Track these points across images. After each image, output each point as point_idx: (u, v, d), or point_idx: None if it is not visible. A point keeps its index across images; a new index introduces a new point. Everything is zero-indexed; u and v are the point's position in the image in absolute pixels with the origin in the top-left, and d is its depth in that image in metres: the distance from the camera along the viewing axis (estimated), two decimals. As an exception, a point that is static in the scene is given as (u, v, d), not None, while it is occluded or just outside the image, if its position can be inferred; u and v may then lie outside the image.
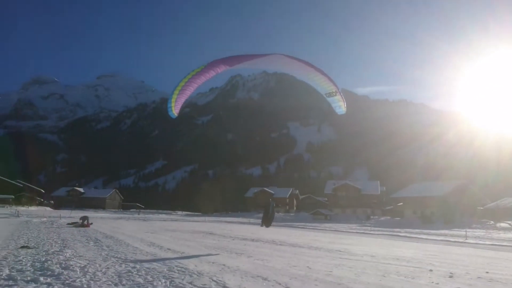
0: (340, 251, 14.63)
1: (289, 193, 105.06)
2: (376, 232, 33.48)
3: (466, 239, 25.99)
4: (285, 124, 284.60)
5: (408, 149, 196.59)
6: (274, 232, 28.08)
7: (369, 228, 41.38)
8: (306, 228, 39.76)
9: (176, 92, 10.78)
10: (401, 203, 75.27)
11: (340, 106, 12.78)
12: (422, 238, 26.50)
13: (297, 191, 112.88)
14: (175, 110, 10.86)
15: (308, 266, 9.97)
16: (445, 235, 30.72)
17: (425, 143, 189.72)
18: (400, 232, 33.82)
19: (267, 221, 16.35)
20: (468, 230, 32.80)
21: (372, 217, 71.33)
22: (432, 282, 8.18)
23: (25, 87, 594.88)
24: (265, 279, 7.93)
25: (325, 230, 36.58)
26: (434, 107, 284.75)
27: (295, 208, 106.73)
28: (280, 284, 7.47)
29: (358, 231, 35.87)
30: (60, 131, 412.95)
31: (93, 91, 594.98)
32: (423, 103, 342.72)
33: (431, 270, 9.87)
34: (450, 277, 8.98)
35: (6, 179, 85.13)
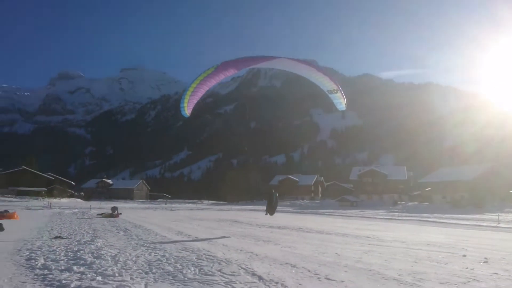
0: (368, 237, 14.43)
1: (314, 180, 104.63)
2: (404, 218, 32.94)
3: (499, 223, 25.20)
4: (308, 111, 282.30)
5: (435, 133, 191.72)
6: (300, 219, 28.05)
7: (396, 214, 40.78)
8: (332, 215, 39.51)
9: (189, 93, 11.35)
10: (429, 188, 73.74)
11: (341, 102, 13.48)
12: (452, 223, 25.87)
13: (322, 178, 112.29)
14: (187, 110, 11.36)
15: (336, 253, 9.86)
16: (476, 219, 29.92)
17: (453, 126, 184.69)
18: (429, 217, 33.14)
19: (271, 210, 17.42)
20: (500, 214, 31.86)
21: (399, 202, 70.25)
22: (467, 268, 7.94)
23: (52, 82, 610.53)
24: (293, 266, 7.87)
25: (352, 216, 36.25)
26: (462, 90, 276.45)
27: (320, 195, 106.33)
28: (309, 271, 7.40)
29: (385, 217, 35.39)
30: (87, 125, 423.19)
31: (118, 84, 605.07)
32: (451, 85, 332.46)
33: (464, 256, 9.60)
34: (485, 262, 8.70)
35: (39, 173, 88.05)
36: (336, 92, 13.77)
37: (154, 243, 11.39)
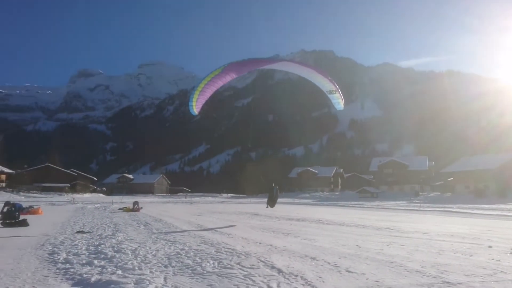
0: (389, 228, 14.20)
1: (333, 172, 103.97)
2: (426, 209, 32.38)
3: (526, 213, 24.52)
4: (326, 103, 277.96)
5: (457, 121, 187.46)
6: (319, 211, 27.89)
7: (418, 204, 40.17)
8: (352, 206, 39.16)
9: (197, 92, 11.67)
10: (452, 178, 72.33)
11: (339, 102, 14.34)
12: (476, 214, 25.28)
13: (341, 170, 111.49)
14: (196, 108, 11.79)
15: (357, 245, 9.72)
16: (501, 209, 29.18)
17: (475, 114, 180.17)
18: (452, 207, 32.51)
19: (271, 203, 18.70)
20: (527, 203, 30.97)
21: (421, 193, 69.17)
22: (493, 259, 7.69)
23: (72, 80, 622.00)
24: (313, 258, 7.78)
25: (372, 208, 35.83)
26: (485, 77, 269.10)
27: (339, 187, 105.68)
28: (329, 263, 7.29)
29: (407, 208, 34.86)
30: (107, 121, 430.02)
31: (136, 80, 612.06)
32: (473, 72, 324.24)
33: (490, 247, 9.32)
34: (512, 253, 8.43)
35: (62, 169, 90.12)
36: (335, 93, 14.60)
37: (173, 236, 11.46)
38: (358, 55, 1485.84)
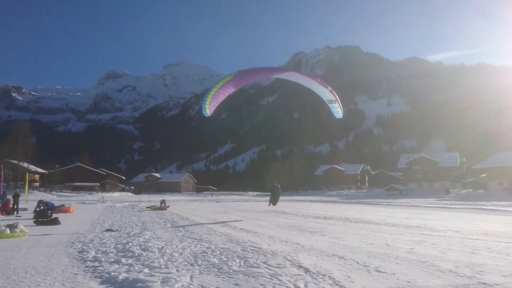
0: (420, 227, 13.81)
1: (360, 169, 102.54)
2: (458, 206, 31.42)
3: None
4: (352, 99, 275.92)
5: (489, 116, 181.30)
6: (346, 209, 27.48)
7: (449, 202, 39.04)
8: (380, 204, 38.45)
9: (210, 96, 12.18)
10: (484, 174, 70.02)
11: (338, 111, 15.50)
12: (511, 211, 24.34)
13: (369, 167, 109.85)
14: (208, 110, 12.39)
15: (386, 244, 9.46)
16: (539, 207, 27.98)
17: (509, 108, 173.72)
18: (485, 205, 31.42)
19: (274, 201, 20.46)
20: None
21: (451, 190, 67.27)
22: (532, 259, 7.32)
23: (101, 82, 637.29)
24: (341, 257, 7.61)
25: (401, 205, 35.07)
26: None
27: (367, 184, 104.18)
28: (358, 263, 7.11)
29: (437, 205, 33.93)
30: (135, 121, 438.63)
31: (162, 80, 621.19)
32: (506, 65, 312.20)
33: (528, 246, 8.90)
34: (553, 253, 8.00)
35: (92, 169, 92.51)
36: (335, 102, 15.93)
37: (199, 234, 11.49)
38: (385, 50, 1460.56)
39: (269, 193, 20.31)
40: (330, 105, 16.03)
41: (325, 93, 15.28)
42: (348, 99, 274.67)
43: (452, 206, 31.73)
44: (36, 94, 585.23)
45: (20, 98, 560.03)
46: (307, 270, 6.47)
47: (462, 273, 6.24)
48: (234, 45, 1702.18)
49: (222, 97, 12.44)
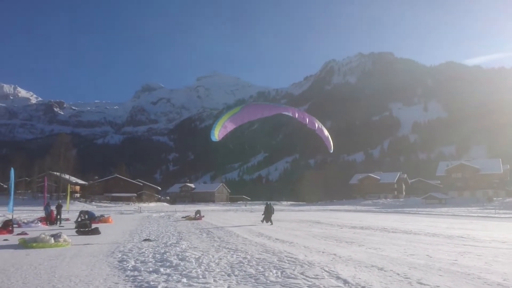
0: (462, 237, 13.28)
1: (397, 177, 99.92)
2: (502, 215, 30.04)
3: None
4: (387, 106, 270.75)
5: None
6: (383, 219, 26.82)
7: (492, 211, 37.35)
8: (418, 213, 37.27)
9: (220, 123, 13.52)
10: (530, 182, 66.52)
11: (331, 145, 15.62)
12: (563, 221, 22.97)
13: (405, 175, 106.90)
14: (217, 136, 13.30)
15: (427, 255, 9.16)
16: None
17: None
18: (532, 214, 29.85)
19: (267, 218, 21.71)
20: None
21: (495, 199, 64.28)
22: None
23: (137, 95, 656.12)
24: (381, 269, 7.41)
25: (441, 215, 33.86)
26: None
27: (404, 193, 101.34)
28: (398, 274, 6.91)
29: (479, 215, 32.56)
30: (169, 133, 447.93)
31: (195, 92, 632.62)
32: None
33: None
34: None
35: (129, 179, 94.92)
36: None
37: (235, 244, 11.52)
38: (419, 55, 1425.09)
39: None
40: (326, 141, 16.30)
41: (323, 130, 15.91)
42: (382, 106, 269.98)
43: (496, 215, 30.35)
44: (76, 108, 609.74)
45: (62, 113, 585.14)
46: (345, 282, 6.35)
47: (511, 286, 5.94)
48: (265, 55, 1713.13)
49: (230, 127, 13.68)
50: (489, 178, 78.94)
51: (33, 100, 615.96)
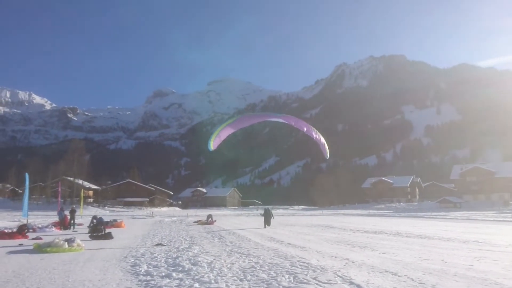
0: (478, 242, 13.05)
1: (410, 181, 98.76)
2: (519, 219, 29.41)
3: None
4: (399, 109, 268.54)
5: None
6: (397, 223, 26.51)
7: (509, 214, 36.65)
8: (432, 218, 36.75)
9: (215, 134, 14.56)
10: (548, 185, 65.22)
11: (327, 153, 15.89)
12: None
13: (419, 179, 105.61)
14: (212, 146, 14.35)
15: (442, 260, 9.01)
16: None
17: None
18: (550, 218, 29.20)
19: (268, 222, 22.74)
20: None
21: (511, 202, 63.17)
22: None
23: (148, 100, 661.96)
24: (394, 274, 7.31)
25: (456, 219, 33.34)
26: None
27: (417, 197, 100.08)
28: (413, 279, 6.80)
29: (495, 219, 31.95)
30: (181, 137, 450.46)
31: (206, 97, 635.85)
32: None
33: None
34: None
35: (142, 184, 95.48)
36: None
37: (247, 249, 11.48)
38: (432, 57, 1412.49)
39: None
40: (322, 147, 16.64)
41: (320, 138, 16.21)
42: (395, 109, 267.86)
43: (512, 220, 29.74)
44: (89, 114, 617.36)
45: (75, 119, 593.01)
46: (359, 287, 6.27)
47: (530, 292, 5.81)
48: (275, 59, 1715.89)
49: (223, 136, 14.87)
50: (505, 182, 77.53)
51: (48, 106, 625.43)
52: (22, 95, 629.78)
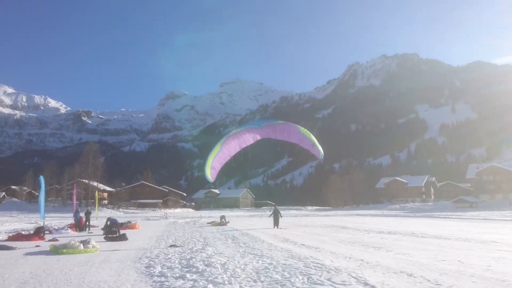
0: (496, 242, 12.82)
1: (425, 181, 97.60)
2: (538, 219, 28.82)
3: None
4: (413, 108, 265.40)
5: None
6: (412, 224, 26.22)
7: (527, 214, 35.91)
8: (448, 217, 36.24)
9: (208, 169, 14.77)
10: None
11: (319, 151, 15.97)
12: None
13: (434, 178, 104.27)
14: (211, 178, 14.64)
15: (459, 260, 8.87)
16: None
17: None
18: None
19: (277, 224, 23.04)
20: None
21: (529, 202, 61.97)
22: None
23: (161, 103, 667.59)
24: (410, 275, 7.22)
25: (472, 219, 32.84)
26: None
27: (432, 197, 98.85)
28: (429, 281, 6.70)
29: (513, 218, 31.35)
30: (194, 139, 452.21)
31: (218, 98, 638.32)
32: None
33: None
34: None
35: (155, 186, 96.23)
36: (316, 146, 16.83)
37: (261, 250, 11.46)
38: (445, 55, 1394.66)
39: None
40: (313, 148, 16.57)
41: (306, 140, 16.27)
42: (408, 108, 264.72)
43: (531, 219, 29.15)
44: (103, 117, 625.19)
45: (90, 122, 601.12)
46: (374, 288, 6.20)
47: (550, 293, 5.67)
48: (287, 59, 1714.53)
49: (217, 167, 15.18)
50: (523, 181, 76.16)
51: (63, 110, 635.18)
52: (38, 99, 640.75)
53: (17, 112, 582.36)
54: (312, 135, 16.29)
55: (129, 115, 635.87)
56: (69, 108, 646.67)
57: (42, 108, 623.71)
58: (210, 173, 14.81)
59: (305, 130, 16.30)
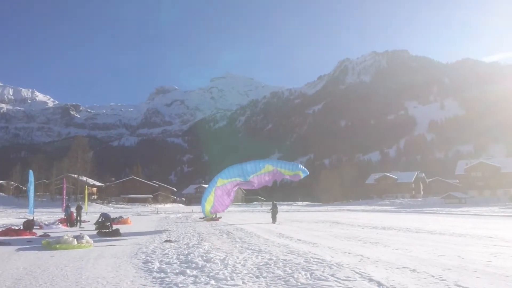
0: (490, 237, 12.90)
1: (414, 177, 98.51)
2: (527, 215, 29.23)
3: None
4: (402, 104, 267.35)
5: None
6: (404, 219, 26.40)
7: (516, 210, 36.43)
8: (439, 213, 36.60)
9: (207, 211, 19.90)
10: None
11: (300, 175, 19.91)
12: None
13: (423, 175, 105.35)
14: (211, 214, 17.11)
15: (459, 256, 8.87)
16: None
17: None
18: (558, 213, 29.00)
19: (274, 219, 23.92)
20: None
21: (516, 197, 62.91)
22: None
23: (151, 97, 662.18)
24: (413, 270, 7.17)
25: (462, 214, 33.20)
26: None
27: (422, 192, 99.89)
28: (433, 276, 6.66)
29: (503, 214, 31.80)
30: (184, 134, 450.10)
31: (209, 93, 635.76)
32: None
33: None
34: None
35: (145, 181, 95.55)
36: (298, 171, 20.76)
37: (258, 245, 11.36)
38: (435, 52, 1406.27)
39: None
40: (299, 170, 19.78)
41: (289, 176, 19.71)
42: (398, 104, 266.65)
43: (520, 215, 29.56)
44: (92, 111, 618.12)
45: (78, 116, 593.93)
46: (379, 284, 6.14)
47: (556, 289, 5.66)
48: (278, 55, 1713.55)
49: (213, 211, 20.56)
50: (510, 177, 77.26)
51: (50, 103, 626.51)
52: (25, 92, 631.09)
53: (3, 105, 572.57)
54: (291, 165, 19.54)
55: (118, 110, 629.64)
56: (57, 102, 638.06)
57: (29, 101, 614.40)
58: (210, 212, 19.26)
59: (286, 169, 19.47)
